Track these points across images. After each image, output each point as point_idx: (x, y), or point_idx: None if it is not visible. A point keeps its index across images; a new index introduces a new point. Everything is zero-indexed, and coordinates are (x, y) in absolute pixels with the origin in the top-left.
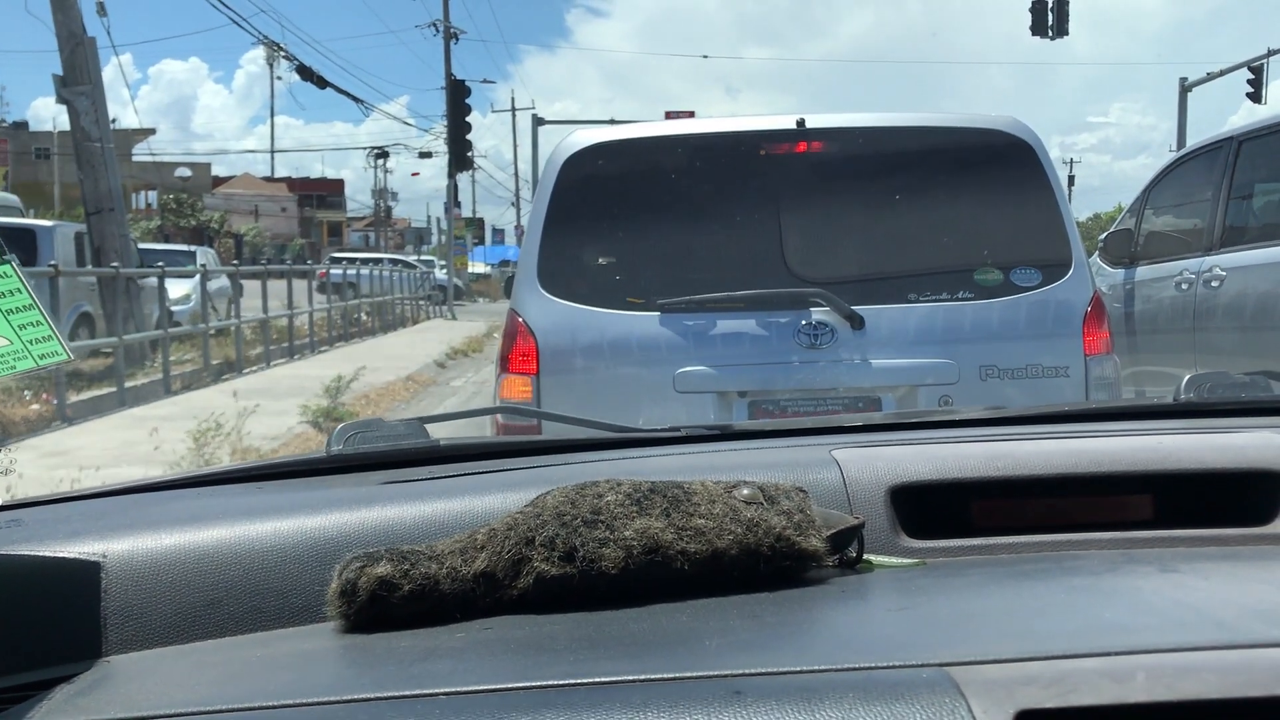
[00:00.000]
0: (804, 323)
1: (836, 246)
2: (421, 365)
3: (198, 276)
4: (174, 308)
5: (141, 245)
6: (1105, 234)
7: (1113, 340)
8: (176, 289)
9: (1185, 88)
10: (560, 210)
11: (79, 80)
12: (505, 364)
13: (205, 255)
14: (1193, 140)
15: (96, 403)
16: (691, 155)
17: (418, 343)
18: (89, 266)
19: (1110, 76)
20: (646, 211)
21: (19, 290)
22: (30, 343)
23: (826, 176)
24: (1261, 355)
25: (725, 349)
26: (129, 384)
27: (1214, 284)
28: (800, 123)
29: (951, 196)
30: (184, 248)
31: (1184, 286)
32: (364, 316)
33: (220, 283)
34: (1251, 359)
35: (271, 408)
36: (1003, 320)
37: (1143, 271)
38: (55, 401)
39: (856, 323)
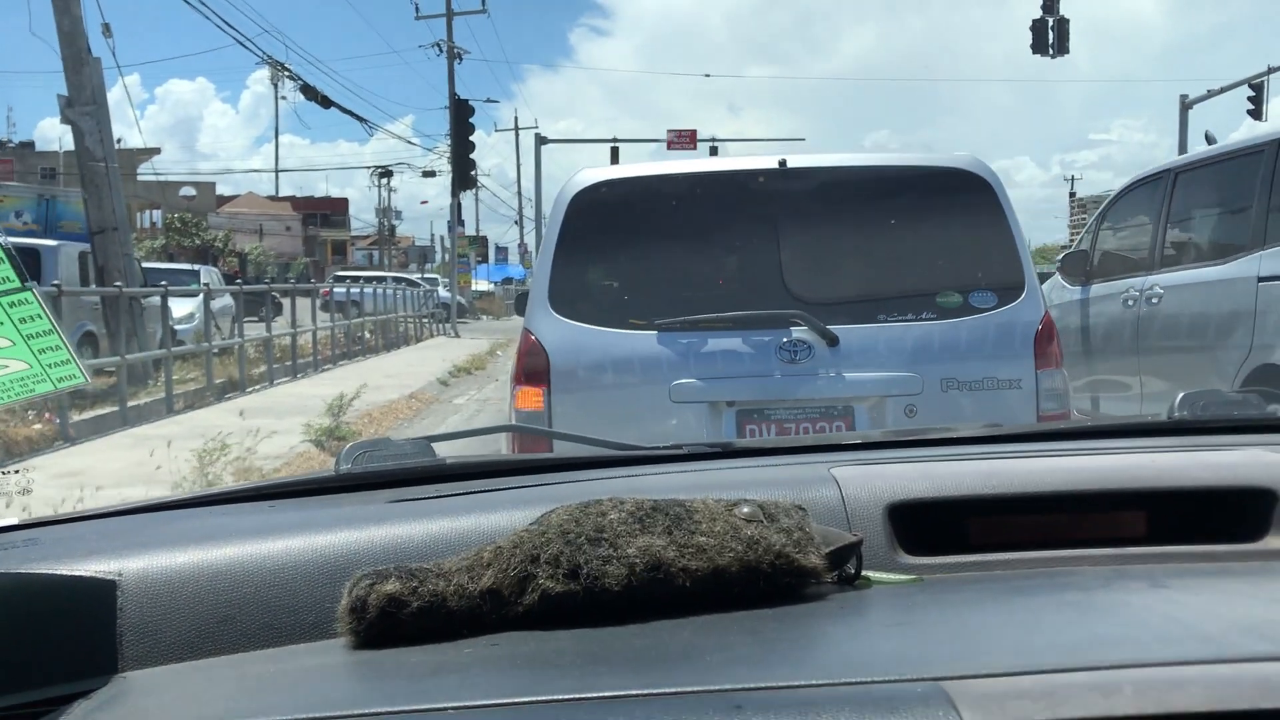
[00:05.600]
0: (785, 340)
1: (814, 272)
2: (425, 383)
3: (201, 295)
4: (178, 326)
5: (145, 264)
6: (1063, 254)
7: (1062, 355)
8: (180, 308)
9: (1186, 105)
10: (569, 239)
11: (84, 100)
12: (520, 377)
13: (209, 274)
14: None
15: (98, 422)
16: (685, 192)
17: (421, 361)
18: (93, 286)
19: (1112, 94)
20: (645, 241)
21: (39, 316)
22: (49, 366)
23: (806, 211)
24: (1192, 365)
25: (715, 364)
26: (132, 403)
27: (1154, 301)
28: (782, 163)
29: (917, 227)
30: (188, 266)
31: (1129, 304)
32: (367, 335)
33: (224, 301)
34: (1184, 369)
35: (274, 427)
36: (961, 338)
37: (1096, 289)
38: (58, 421)
39: (832, 340)
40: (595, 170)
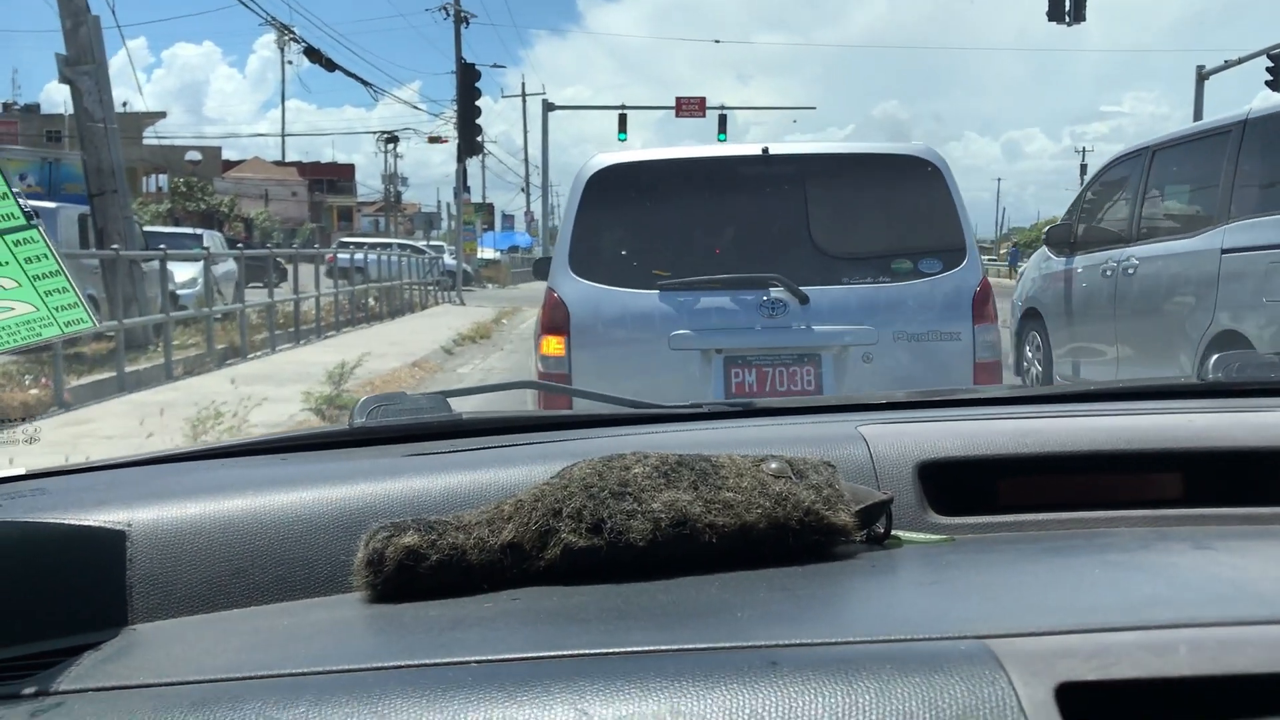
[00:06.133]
0: (764, 298)
1: (790, 241)
2: (428, 351)
3: (203, 260)
4: (180, 291)
5: (148, 229)
6: (1049, 227)
7: (997, 313)
8: (183, 272)
9: (1202, 76)
10: (586, 213)
11: (83, 59)
12: (545, 327)
13: (212, 239)
14: None
15: (96, 388)
16: (683, 173)
17: (425, 328)
18: (93, 249)
19: (1124, 66)
20: (650, 214)
21: (46, 256)
22: (56, 309)
23: (784, 191)
24: (1162, 332)
25: (706, 318)
26: (131, 369)
27: (1130, 271)
28: (765, 150)
29: (877, 205)
30: (190, 230)
31: (1108, 274)
32: (371, 302)
33: (227, 266)
34: (1155, 336)
35: (274, 394)
36: (911, 298)
37: (1079, 260)
38: (53, 386)
39: (803, 299)
40: (608, 155)
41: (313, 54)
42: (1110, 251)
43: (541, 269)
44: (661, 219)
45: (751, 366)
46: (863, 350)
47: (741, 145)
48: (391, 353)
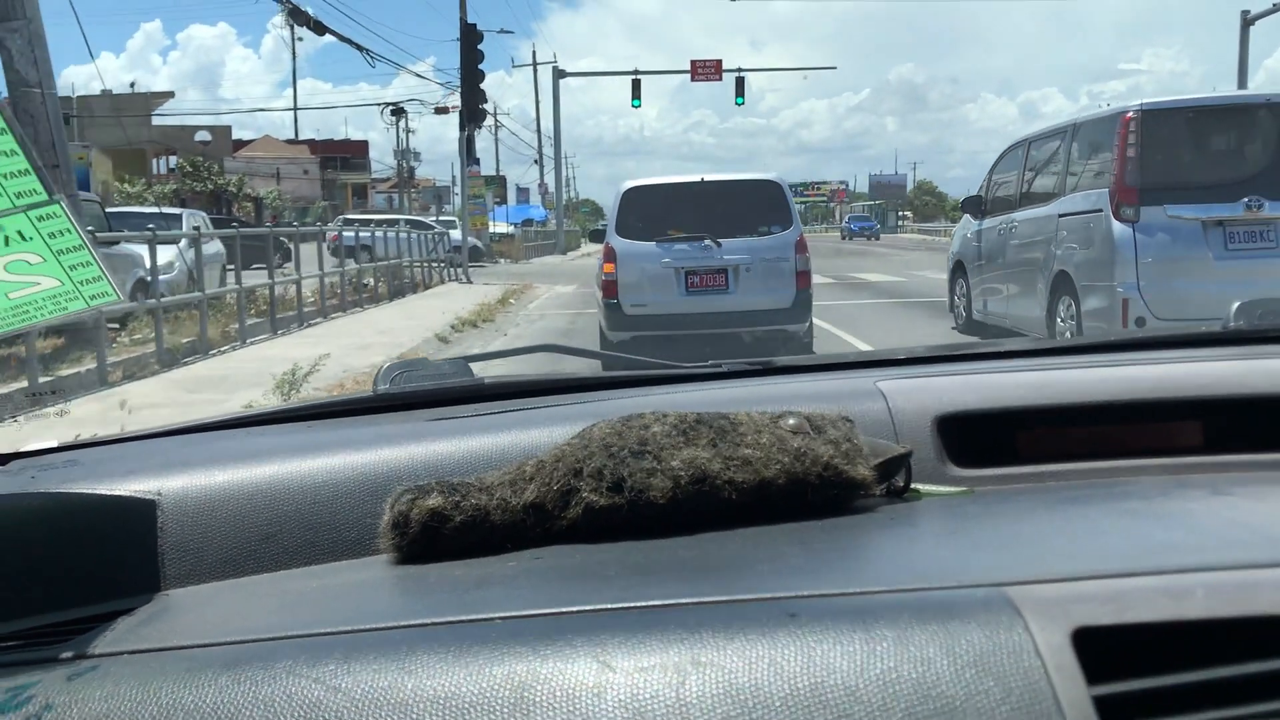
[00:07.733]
0: (704, 245)
1: (715, 219)
2: (420, 340)
3: (183, 241)
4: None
5: (121, 209)
6: (965, 197)
7: (808, 249)
8: (160, 256)
9: (1247, 21)
10: (623, 208)
11: (10, 15)
12: (605, 260)
13: (195, 219)
14: (1252, 82)
15: (3, 401)
16: (668, 189)
17: (422, 312)
18: None
19: (1143, 22)
20: (653, 207)
21: (69, 230)
22: (81, 283)
23: (713, 197)
24: (1027, 274)
25: (677, 254)
26: (70, 371)
27: (1014, 231)
28: (703, 179)
29: (753, 202)
30: (167, 211)
31: (1002, 233)
32: (369, 282)
33: (214, 248)
34: (1024, 277)
35: (220, 405)
36: (767, 243)
37: (987, 222)
38: None
39: (719, 245)
40: (633, 180)
41: (298, 15)
42: (1003, 216)
43: (598, 236)
44: (658, 209)
45: (698, 274)
46: (746, 266)
47: (692, 174)
48: (378, 344)
